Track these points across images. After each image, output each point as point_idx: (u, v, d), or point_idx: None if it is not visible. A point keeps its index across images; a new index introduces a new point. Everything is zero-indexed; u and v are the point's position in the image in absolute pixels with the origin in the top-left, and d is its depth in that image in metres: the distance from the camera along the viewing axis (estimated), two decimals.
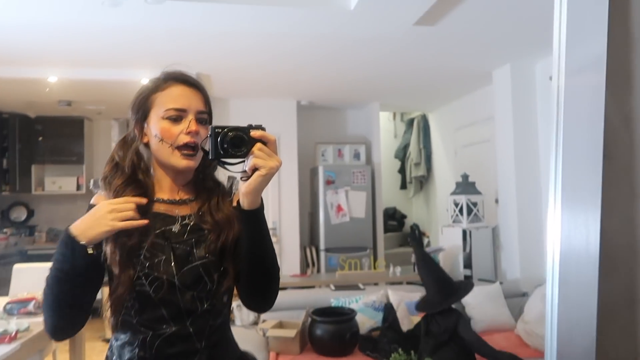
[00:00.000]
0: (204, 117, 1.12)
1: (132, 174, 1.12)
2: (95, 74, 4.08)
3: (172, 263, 1.05)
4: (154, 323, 1.04)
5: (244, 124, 0.98)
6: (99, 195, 1.12)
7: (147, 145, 1.13)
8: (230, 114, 4.90)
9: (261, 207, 1.02)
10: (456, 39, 3.49)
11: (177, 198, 1.13)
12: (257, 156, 0.96)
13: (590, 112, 0.53)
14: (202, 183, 1.17)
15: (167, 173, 1.13)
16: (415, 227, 6.69)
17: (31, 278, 3.53)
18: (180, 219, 1.10)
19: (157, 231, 1.07)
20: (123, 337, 1.07)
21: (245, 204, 0.99)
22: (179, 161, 1.08)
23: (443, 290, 2.67)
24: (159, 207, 1.11)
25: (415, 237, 2.98)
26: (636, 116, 0.51)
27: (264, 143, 0.97)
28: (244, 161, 0.97)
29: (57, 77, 4.11)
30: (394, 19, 3.02)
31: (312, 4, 2.86)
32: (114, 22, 3.02)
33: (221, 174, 1.20)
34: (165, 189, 1.13)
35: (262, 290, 1.10)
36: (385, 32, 3.23)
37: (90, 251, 0.97)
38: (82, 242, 0.97)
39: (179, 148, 1.07)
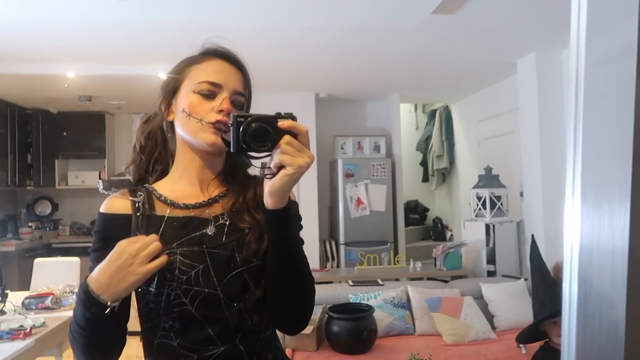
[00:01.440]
0: (241, 99, 0.98)
1: (155, 160, 1.02)
2: (112, 69, 4.09)
3: (212, 272, 0.90)
4: (199, 345, 0.89)
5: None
6: (111, 199, 0.97)
7: (172, 125, 1.00)
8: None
9: (288, 207, 0.86)
10: (478, 27, 3.36)
11: (207, 198, 0.98)
12: (284, 152, 0.81)
13: (617, 106, 0.44)
14: (233, 175, 1.02)
15: (194, 158, 0.98)
16: (437, 221, 6.57)
17: (51, 273, 3.57)
18: (213, 219, 0.95)
19: (190, 237, 0.93)
20: None
21: (269, 204, 0.85)
22: (209, 136, 0.93)
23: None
24: (187, 210, 0.96)
25: (536, 254, 1.95)
26: None
27: (294, 135, 0.82)
28: (270, 154, 0.84)
29: (75, 73, 4.13)
30: (411, 6, 2.91)
31: None
32: (127, 17, 2.99)
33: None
34: (190, 180, 0.99)
35: (290, 308, 0.93)
36: (403, 20, 3.13)
37: (115, 306, 0.84)
38: (108, 302, 0.83)
39: (209, 123, 0.93)
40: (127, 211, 0.96)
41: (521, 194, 4.33)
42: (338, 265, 5.12)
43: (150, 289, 0.89)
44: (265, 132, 0.82)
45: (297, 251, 0.91)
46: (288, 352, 2.94)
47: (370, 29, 3.34)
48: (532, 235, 1.81)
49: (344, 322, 2.96)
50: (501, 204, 4.27)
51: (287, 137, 0.82)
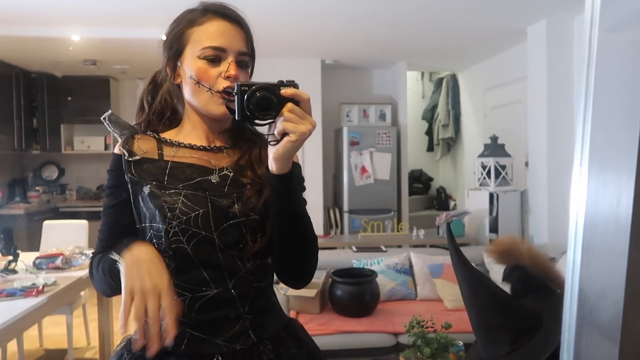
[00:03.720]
0: (245, 59, 0.99)
1: (162, 118, 1.05)
2: (116, 32, 4.05)
3: (211, 218, 0.94)
4: (193, 285, 0.95)
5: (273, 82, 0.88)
6: (121, 143, 1.02)
7: (179, 86, 1.02)
8: (253, 74, 4.81)
9: (292, 172, 0.90)
10: None
11: (212, 145, 1.03)
12: (287, 119, 0.83)
13: (628, 69, 0.45)
14: (240, 132, 1.06)
15: (202, 119, 1.02)
16: (441, 190, 6.59)
17: (59, 234, 3.63)
18: (217, 170, 1.00)
19: (194, 181, 0.97)
20: None
21: (274, 169, 0.88)
22: (218, 107, 0.96)
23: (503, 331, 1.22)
24: (192, 156, 1.01)
25: (449, 233, 1.38)
26: None
27: (296, 102, 0.85)
28: (274, 121, 0.87)
29: (80, 35, 4.10)
30: None
31: None
32: None
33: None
34: (199, 137, 1.03)
35: (297, 264, 0.99)
36: None
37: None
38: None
39: (218, 92, 0.95)
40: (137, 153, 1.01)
41: (526, 164, 4.33)
42: (342, 233, 5.18)
43: (154, 224, 0.95)
44: (269, 101, 0.85)
45: (301, 212, 0.95)
46: (292, 314, 3.01)
47: None
48: (448, 225, 1.24)
49: (347, 286, 3.02)
50: (506, 174, 4.28)
51: (289, 105, 0.85)
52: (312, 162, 5.04)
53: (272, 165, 0.88)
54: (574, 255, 0.48)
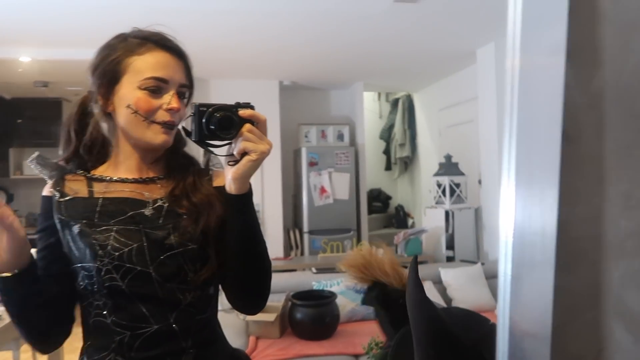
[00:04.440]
0: (184, 91, 0.97)
1: (91, 149, 1.00)
2: (68, 53, 3.95)
3: (146, 251, 0.92)
4: (132, 322, 0.91)
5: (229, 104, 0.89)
6: (51, 184, 0.98)
7: (111, 115, 0.97)
8: (211, 95, 4.80)
9: (250, 192, 0.92)
10: (439, 16, 3.42)
11: (144, 177, 0.99)
12: (246, 139, 0.86)
13: (548, 93, 0.48)
14: (173, 159, 1.02)
15: (135, 149, 0.98)
16: (400, 208, 6.69)
17: None
18: (151, 202, 0.96)
19: (126, 216, 0.94)
20: (95, 342, 0.94)
21: (233, 189, 0.89)
22: (156, 136, 0.93)
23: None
24: (123, 190, 0.97)
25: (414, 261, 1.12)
26: (606, 96, 0.45)
27: (253, 123, 0.87)
28: (230, 143, 0.88)
29: (30, 57, 3.98)
30: None
31: None
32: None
33: (193, 148, 1.06)
34: (130, 168, 0.99)
35: (253, 288, 0.99)
36: (366, 7, 3.15)
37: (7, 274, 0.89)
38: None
39: (158, 124, 0.93)
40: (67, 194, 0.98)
41: (479, 181, 4.46)
42: (302, 254, 5.15)
43: (84, 263, 0.91)
44: (230, 121, 0.86)
45: (259, 232, 0.96)
46: (252, 340, 2.96)
47: (334, 14, 3.35)
48: (415, 258, 1.15)
49: (307, 309, 3.00)
50: (460, 191, 4.39)
51: (248, 125, 0.87)
52: (271, 184, 5.01)
53: (231, 186, 0.89)
54: (505, 276, 0.49)
